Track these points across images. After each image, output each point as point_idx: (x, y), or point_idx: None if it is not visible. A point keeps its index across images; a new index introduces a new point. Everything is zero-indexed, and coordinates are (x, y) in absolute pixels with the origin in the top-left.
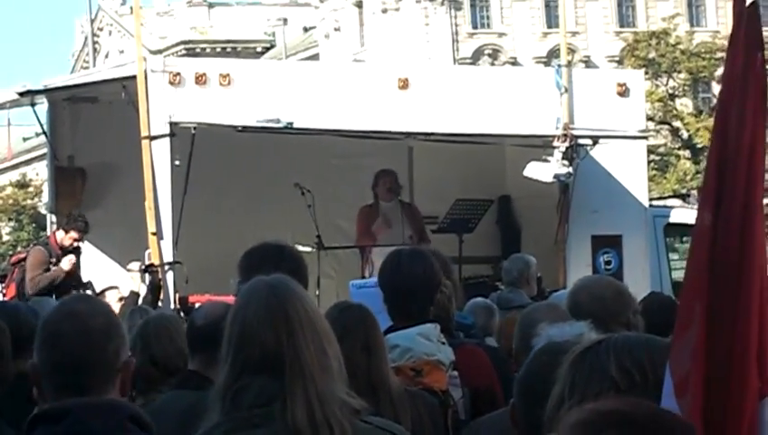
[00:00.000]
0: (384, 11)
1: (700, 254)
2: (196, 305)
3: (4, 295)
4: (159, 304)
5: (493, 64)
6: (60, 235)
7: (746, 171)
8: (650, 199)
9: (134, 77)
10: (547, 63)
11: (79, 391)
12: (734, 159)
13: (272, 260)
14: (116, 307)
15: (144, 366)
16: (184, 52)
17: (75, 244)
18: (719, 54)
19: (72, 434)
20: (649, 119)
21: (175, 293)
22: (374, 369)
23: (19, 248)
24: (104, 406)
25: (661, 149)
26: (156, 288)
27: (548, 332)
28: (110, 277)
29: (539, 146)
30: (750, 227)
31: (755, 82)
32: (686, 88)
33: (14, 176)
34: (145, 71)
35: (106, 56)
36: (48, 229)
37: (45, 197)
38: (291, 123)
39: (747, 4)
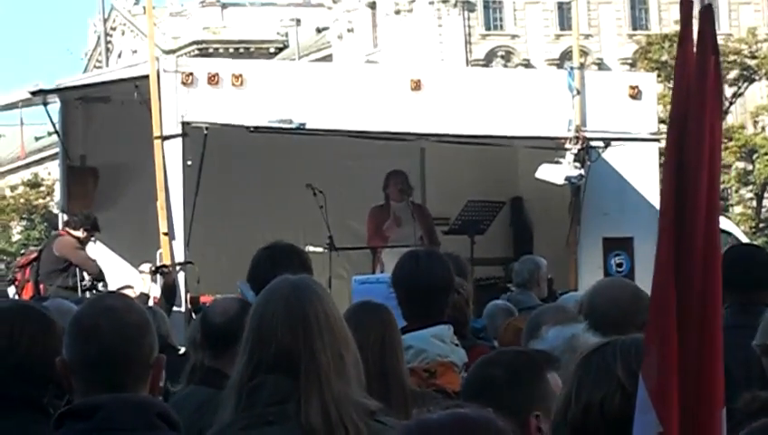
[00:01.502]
0: (397, 12)
1: (666, 262)
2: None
3: (19, 296)
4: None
5: (505, 66)
6: (73, 232)
7: (708, 179)
8: None
9: (147, 77)
10: (560, 66)
11: (113, 387)
12: (694, 168)
13: (284, 261)
14: None
15: None
16: (197, 52)
17: (86, 242)
18: (732, 57)
19: (102, 431)
20: (662, 121)
21: (186, 293)
22: (388, 361)
23: (30, 247)
24: (133, 403)
25: None
26: (169, 290)
27: (546, 334)
28: (121, 277)
29: (551, 148)
30: (712, 231)
31: (713, 88)
32: None
33: (26, 175)
34: (157, 71)
35: (119, 56)
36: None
37: (57, 196)
38: (303, 124)
39: (701, 6)
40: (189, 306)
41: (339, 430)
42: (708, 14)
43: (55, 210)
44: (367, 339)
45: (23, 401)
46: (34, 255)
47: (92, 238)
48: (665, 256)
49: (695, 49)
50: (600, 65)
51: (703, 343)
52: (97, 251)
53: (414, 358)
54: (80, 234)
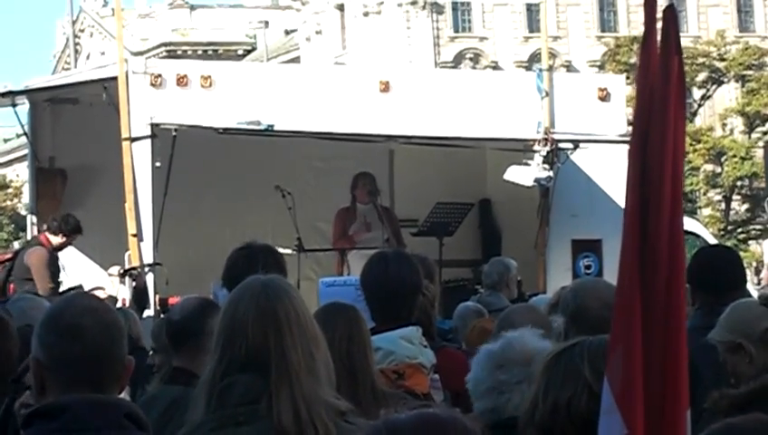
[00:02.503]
0: (365, 14)
1: (630, 263)
2: None
3: None
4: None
5: (474, 68)
6: (51, 237)
7: (671, 178)
8: None
9: (115, 78)
10: (528, 68)
11: (93, 386)
12: (658, 166)
13: (256, 261)
14: None
15: None
16: (165, 54)
17: (66, 247)
18: (700, 60)
19: (69, 431)
20: (630, 124)
21: (155, 294)
22: (356, 357)
23: None
24: (102, 403)
25: None
26: (140, 292)
27: (507, 338)
28: (89, 278)
29: (520, 150)
30: (676, 232)
31: (675, 88)
32: None
33: None
34: (126, 72)
35: (87, 58)
36: (28, 230)
37: (25, 198)
38: (272, 126)
39: (665, 6)
40: (158, 308)
41: (308, 430)
42: (671, 14)
43: (23, 212)
44: (333, 336)
45: None
46: (9, 255)
47: (74, 240)
48: (629, 256)
49: (658, 49)
50: (569, 68)
51: (668, 343)
52: (65, 252)
53: (383, 359)
54: (58, 239)
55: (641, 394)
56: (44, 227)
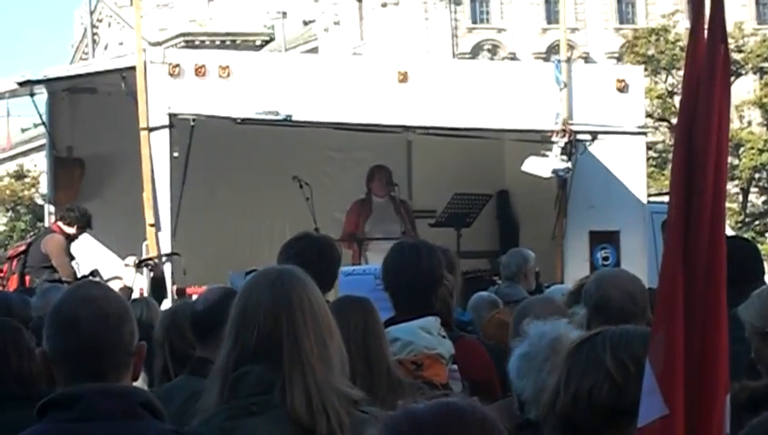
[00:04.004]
0: (384, 5)
1: (674, 248)
2: (193, 297)
3: (3, 288)
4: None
5: (492, 60)
6: (65, 227)
7: (715, 164)
8: (648, 196)
9: (133, 68)
10: (546, 60)
11: (94, 376)
12: (703, 154)
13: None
14: None
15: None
16: (183, 44)
17: (75, 239)
18: None
19: (84, 420)
20: (648, 116)
21: (173, 284)
22: (371, 346)
23: (15, 238)
24: (116, 392)
25: (659, 146)
26: (158, 283)
27: (528, 331)
28: (106, 268)
29: (538, 141)
30: (718, 218)
31: (721, 76)
32: None
33: (12, 167)
34: (144, 62)
35: (105, 48)
36: (46, 220)
37: (42, 188)
38: (290, 116)
39: None
40: (176, 298)
41: (320, 418)
42: (719, 3)
43: (40, 201)
44: (349, 325)
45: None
46: (23, 247)
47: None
48: (674, 243)
49: (705, 38)
50: (587, 59)
51: (709, 328)
52: (83, 242)
53: (401, 350)
54: (72, 230)
55: (682, 377)
56: (58, 216)
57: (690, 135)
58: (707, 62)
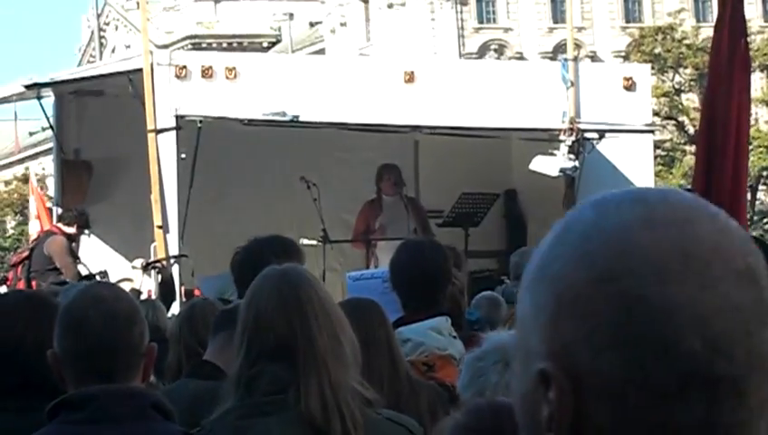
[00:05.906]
0: (390, 6)
1: None
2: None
3: None
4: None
5: (498, 60)
6: (65, 228)
7: (734, 152)
8: None
9: (140, 70)
10: (553, 59)
11: (103, 377)
12: (722, 143)
13: (272, 253)
14: None
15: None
16: (190, 47)
17: (80, 237)
18: None
19: (95, 421)
20: (655, 114)
21: (181, 286)
22: (393, 344)
23: (23, 241)
24: (127, 393)
25: (667, 145)
26: (167, 285)
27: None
28: (114, 270)
29: (545, 140)
30: (738, 203)
31: (741, 68)
32: (691, 83)
33: (20, 170)
34: (151, 64)
35: (112, 51)
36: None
37: (50, 191)
38: (297, 117)
39: None
40: (184, 299)
41: (334, 418)
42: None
43: (48, 205)
44: (371, 324)
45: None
46: (26, 253)
47: (85, 233)
48: None
49: (727, 32)
50: (594, 58)
51: None
52: (91, 244)
53: (412, 351)
54: (72, 230)
55: None
56: (59, 217)
57: (713, 127)
58: (728, 55)
